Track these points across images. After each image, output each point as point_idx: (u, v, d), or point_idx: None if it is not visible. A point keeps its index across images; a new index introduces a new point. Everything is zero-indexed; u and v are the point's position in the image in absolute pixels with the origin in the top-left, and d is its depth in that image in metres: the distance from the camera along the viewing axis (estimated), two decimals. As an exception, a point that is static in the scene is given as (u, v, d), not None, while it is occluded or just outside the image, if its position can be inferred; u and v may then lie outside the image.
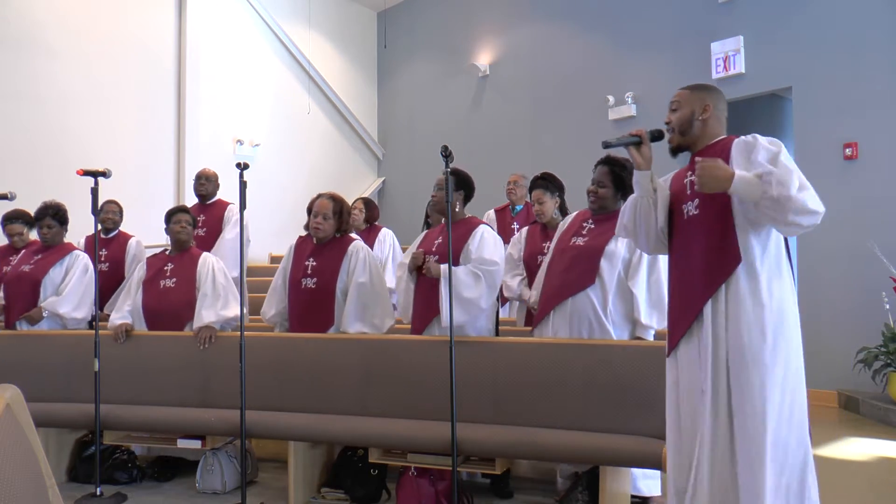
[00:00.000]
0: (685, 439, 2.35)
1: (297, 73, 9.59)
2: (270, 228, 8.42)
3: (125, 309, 4.28)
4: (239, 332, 3.42)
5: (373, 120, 10.63)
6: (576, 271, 3.40)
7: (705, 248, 2.32)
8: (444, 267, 3.57)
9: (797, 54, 6.34)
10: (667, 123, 2.48)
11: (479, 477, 3.79)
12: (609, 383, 3.20)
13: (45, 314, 4.40)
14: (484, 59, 9.21)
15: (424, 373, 3.51)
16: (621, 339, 3.35)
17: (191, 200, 6.42)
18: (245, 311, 4.34)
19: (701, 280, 2.32)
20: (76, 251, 4.61)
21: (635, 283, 3.34)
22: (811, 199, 2.16)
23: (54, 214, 4.55)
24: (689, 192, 2.41)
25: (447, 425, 3.03)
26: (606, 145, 2.47)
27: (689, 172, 2.43)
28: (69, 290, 4.43)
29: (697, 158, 2.36)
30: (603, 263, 3.35)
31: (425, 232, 4.03)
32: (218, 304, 4.13)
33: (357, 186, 10.09)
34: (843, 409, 5.78)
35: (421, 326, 3.75)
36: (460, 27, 9.57)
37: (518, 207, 5.58)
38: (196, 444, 3.70)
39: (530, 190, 4.45)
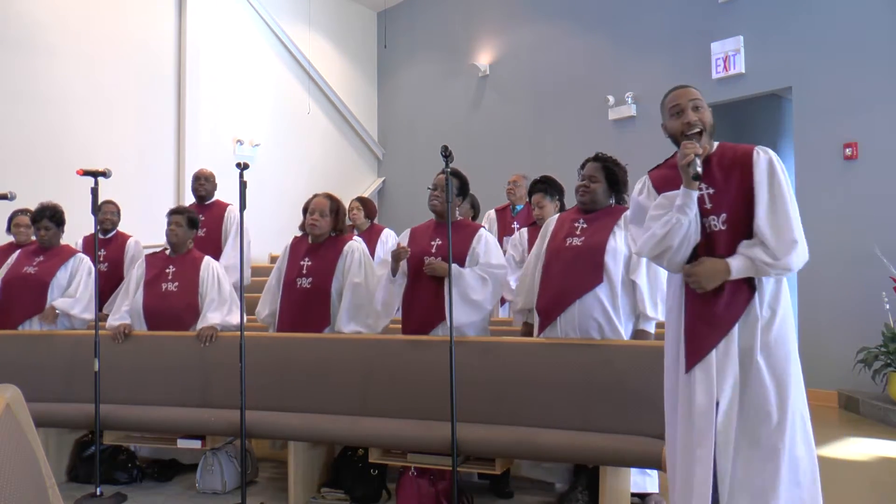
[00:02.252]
0: (695, 457, 2.27)
1: (297, 73, 9.59)
2: (270, 228, 8.41)
3: (123, 309, 4.28)
4: (239, 332, 3.42)
5: (373, 120, 10.63)
6: (580, 272, 3.33)
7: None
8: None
9: (797, 54, 6.34)
10: (692, 123, 2.35)
11: (476, 477, 3.78)
12: (609, 383, 3.20)
13: (58, 312, 4.42)
14: (484, 58, 9.21)
15: (424, 373, 3.50)
16: (621, 339, 3.34)
17: (191, 200, 6.41)
18: (244, 313, 4.35)
19: (729, 298, 2.27)
20: (79, 254, 4.62)
21: (638, 275, 3.30)
22: (800, 261, 2.23)
23: (51, 216, 4.56)
24: (709, 205, 2.33)
25: (447, 425, 3.03)
26: (697, 176, 2.25)
27: (705, 185, 2.34)
28: (81, 293, 4.47)
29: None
30: (608, 260, 3.30)
31: (410, 230, 3.97)
32: (224, 310, 4.16)
33: (357, 186, 10.09)
34: (843, 409, 5.78)
35: (424, 330, 3.71)
36: (460, 27, 9.57)
37: (518, 207, 5.59)
38: (196, 444, 3.70)
39: (530, 193, 4.45)
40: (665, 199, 2.34)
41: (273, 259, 8.49)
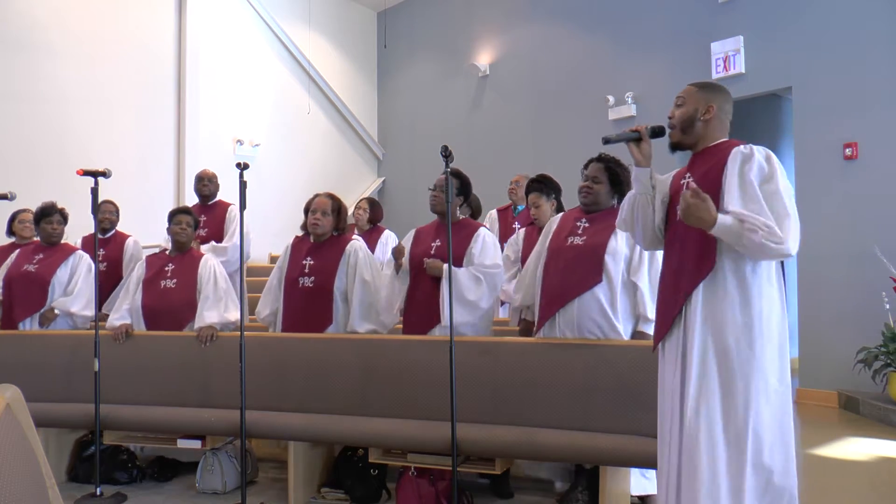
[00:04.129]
0: (664, 438, 2.39)
1: (297, 73, 9.59)
2: (270, 228, 8.41)
3: (123, 309, 4.28)
4: (239, 332, 3.42)
5: (373, 120, 10.63)
6: (580, 271, 3.33)
7: (688, 249, 2.34)
8: (445, 266, 3.57)
9: (797, 54, 6.34)
10: (669, 118, 2.47)
11: (479, 477, 3.78)
12: (609, 383, 3.20)
13: (57, 313, 4.43)
14: (484, 59, 9.20)
15: (424, 373, 3.50)
16: (621, 339, 3.34)
17: (191, 200, 6.42)
18: (245, 311, 4.35)
19: (682, 280, 2.34)
20: (79, 251, 4.65)
21: (639, 277, 3.30)
22: (793, 245, 2.16)
23: (60, 212, 4.63)
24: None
25: (447, 425, 3.03)
26: (606, 141, 2.48)
27: (688, 174, 2.42)
28: (79, 290, 4.49)
29: (689, 179, 2.38)
30: (608, 260, 3.29)
31: (415, 230, 3.99)
32: (220, 307, 4.15)
33: (357, 186, 10.09)
34: (843, 409, 5.78)
35: (422, 330, 3.72)
36: (460, 27, 9.57)
37: (520, 207, 5.58)
38: (196, 444, 3.70)
39: (526, 193, 4.45)
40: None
41: (273, 259, 8.49)
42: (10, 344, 4.26)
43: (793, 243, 2.17)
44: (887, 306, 5.45)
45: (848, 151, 6.01)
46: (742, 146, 2.33)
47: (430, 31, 10.02)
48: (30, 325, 4.46)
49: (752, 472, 2.19)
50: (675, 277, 2.38)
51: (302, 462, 3.55)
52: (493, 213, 5.71)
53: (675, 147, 2.49)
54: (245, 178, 3.34)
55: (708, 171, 2.36)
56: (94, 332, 3.69)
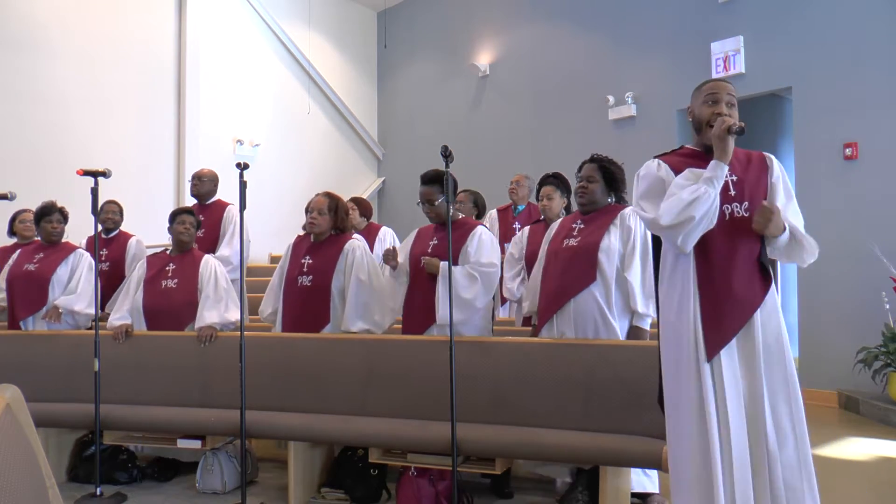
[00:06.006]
0: (712, 447, 2.26)
1: (297, 73, 9.59)
2: (270, 228, 8.42)
3: (124, 309, 4.29)
4: (239, 332, 3.42)
5: (373, 120, 10.63)
6: (574, 271, 3.38)
7: (756, 251, 2.33)
8: (442, 264, 3.59)
9: (797, 54, 6.34)
10: (719, 114, 2.38)
11: (481, 477, 3.78)
12: (609, 383, 3.20)
13: (61, 311, 4.43)
14: (484, 59, 9.20)
15: (424, 373, 3.51)
16: (621, 339, 3.34)
17: (191, 201, 6.41)
18: (245, 313, 4.35)
19: (752, 284, 2.30)
20: (79, 249, 4.65)
21: (631, 273, 3.33)
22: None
23: (61, 211, 4.63)
24: (732, 192, 2.36)
25: (447, 425, 3.03)
26: (741, 130, 2.30)
27: (729, 172, 2.37)
28: (82, 288, 4.49)
29: (765, 203, 2.30)
30: (601, 258, 3.34)
31: (417, 230, 4.01)
32: (221, 307, 4.15)
33: (357, 186, 10.09)
34: (843, 409, 5.78)
35: (419, 330, 3.74)
36: (460, 27, 9.57)
37: (520, 207, 5.58)
38: (196, 444, 3.70)
39: (540, 185, 4.46)
40: (692, 173, 2.36)
41: (273, 259, 8.49)
42: (10, 344, 4.27)
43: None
44: (887, 306, 5.45)
45: (848, 151, 6.01)
46: (773, 156, 2.47)
47: (430, 31, 10.02)
48: (32, 325, 4.47)
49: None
50: (736, 283, 2.30)
51: (302, 462, 3.55)
52: (494, 212, 5.71)
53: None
54: (245, 178, 3.34)
55: (748, 174, 2.41)
56: (94, 332, 3.69)
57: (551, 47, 8.47)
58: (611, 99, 7.74)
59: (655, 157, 2.52)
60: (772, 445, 2.21)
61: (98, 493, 3.54)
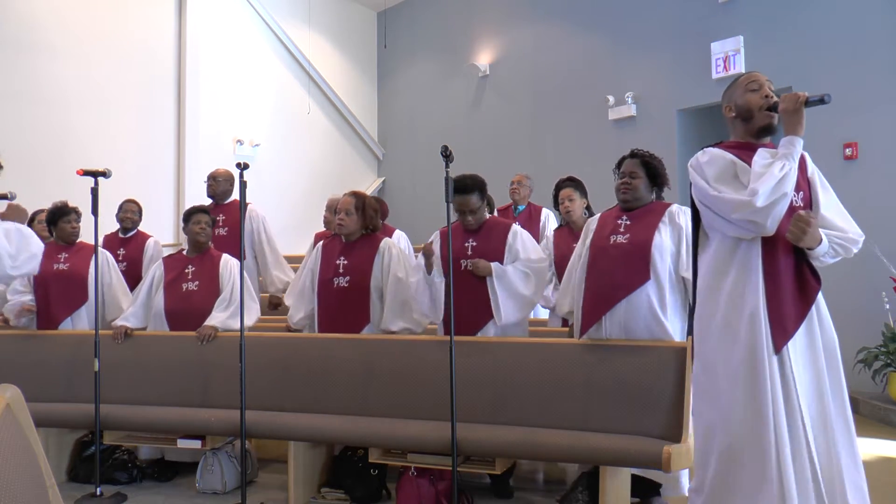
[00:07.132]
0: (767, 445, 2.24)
1: (297, 73, 9.59)
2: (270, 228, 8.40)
3: (129, 312, 4.29)
4: (239, 332, 3.42)
5: (373, 120, 10.63)
6: (627, 269, 3.23)
7: (798, 250, 2.34)
8: (494, 265, 3.57)
9: (797, 54, 6.34)
10: (766, 97, 2.38)
11: (486, 477, 3.77)
12: (609, 383, 3.20)
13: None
14: (484, 59, 9.21)
15: (424, 373, 3.51)
16: (621, 339, 3.32)
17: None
18: (256, 315, 4.33)
19: (809, 277, 2.33)
20: (100, 249, 4.62)
21: (689, 271, 3.18)
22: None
23: (75, 210, 4.63)
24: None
25: (447, 425, 3.03)
26: (824, 99, 2.31)
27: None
28: (115, 289, 4.58)
29: (801, 212, 2.24)
30: (655, 256, 3.21)
31: (438, 232, 3.92)
32: (230, 311, 4.12)
33: (357, 186, 10.06)
34: (843, 409, 5.77)
35: (472, 330, 3.64)
36: (460, 27, 9.57)
37: (521, 207, 5.58)
38: (196, 444, 3.70)
39: (558, 189, 4.43)
40: (767, 152, 2.29)
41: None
42: (10, 344, 4.27)
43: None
44: (887, 306, 5.44)
45: (848, 151, 6.01)
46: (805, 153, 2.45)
47: (430, 31, 10.03)
48: (71, 325, 4.41)
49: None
50: (799, 269, 2.33)
51: (302, 462, 3.55)
52: (494, 213, 5.70)
53: (771, 128, 2.39)
54: (245, 178, 3.35)
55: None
56: (94, 332, 3.69)
57: (551, 47, 8.47)
58: (611, 99, 7.73)
59: (706, 146, 2.46)
60: (838, 436, 2.29)
61: (98, 493, 3.55)
